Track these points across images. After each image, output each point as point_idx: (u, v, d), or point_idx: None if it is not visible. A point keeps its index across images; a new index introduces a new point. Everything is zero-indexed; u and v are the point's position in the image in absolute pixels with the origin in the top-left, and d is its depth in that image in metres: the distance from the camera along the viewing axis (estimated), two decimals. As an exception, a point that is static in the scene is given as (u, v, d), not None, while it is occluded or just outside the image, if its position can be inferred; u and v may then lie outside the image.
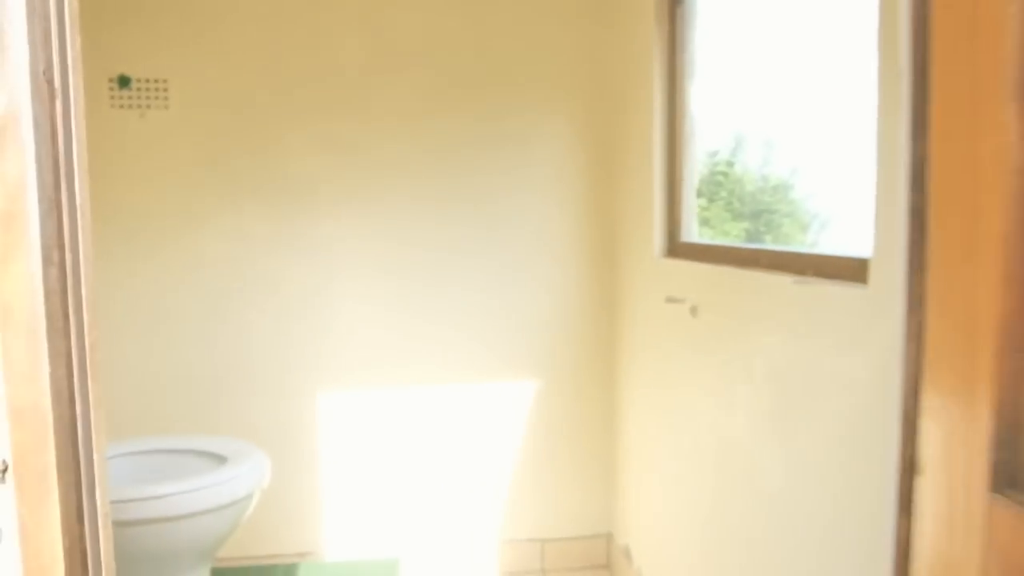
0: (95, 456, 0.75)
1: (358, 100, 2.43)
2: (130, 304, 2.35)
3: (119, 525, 1.31)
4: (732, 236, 2.25)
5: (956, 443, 0.71)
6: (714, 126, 2.17)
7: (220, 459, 1.50)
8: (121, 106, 2.34)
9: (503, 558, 2.60)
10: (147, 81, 2.35)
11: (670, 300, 2.00)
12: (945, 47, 0.75)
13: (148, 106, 2.35)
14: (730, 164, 2.32)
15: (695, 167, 2.12)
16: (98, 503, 0.73)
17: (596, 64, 2.49)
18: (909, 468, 0.79)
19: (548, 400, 2.56)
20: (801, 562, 1.42)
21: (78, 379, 0.73)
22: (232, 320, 2.40)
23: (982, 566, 0.67)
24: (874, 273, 1.18)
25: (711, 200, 2.32)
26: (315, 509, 2.49)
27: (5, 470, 0.67)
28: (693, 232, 2.13)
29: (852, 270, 1.29)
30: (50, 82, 0.73)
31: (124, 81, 2.33)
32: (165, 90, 2.35)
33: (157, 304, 2.36)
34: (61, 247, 0.76)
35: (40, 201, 0.72)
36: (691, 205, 2.13)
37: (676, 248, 2.12)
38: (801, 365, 1.41)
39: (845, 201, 1.72)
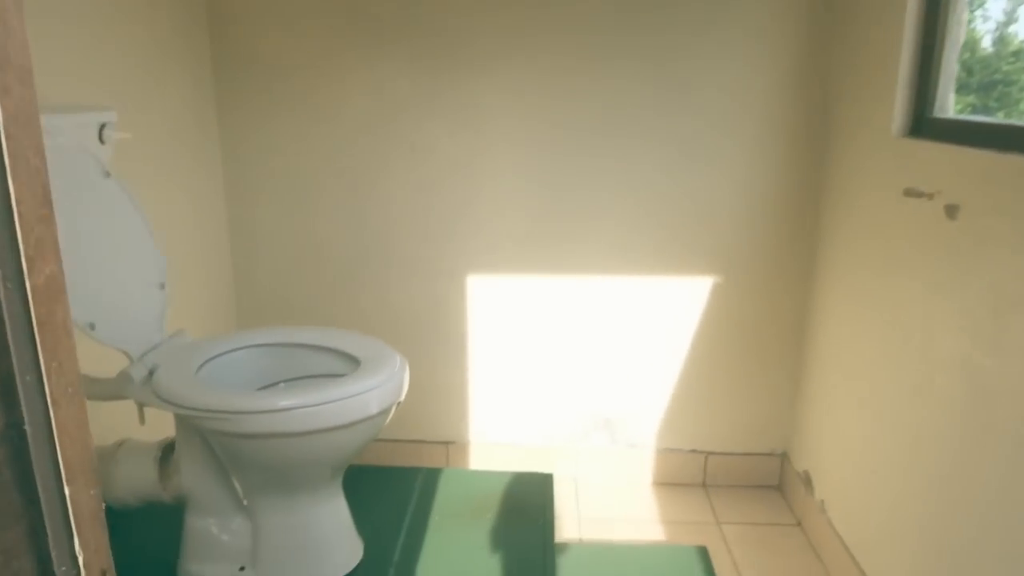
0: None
1: (523, -70, 2.01)
2: (263, 169, 2.16)
3: (235, 437, 1.12)
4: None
5: None
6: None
7: (353, 362, 1.28)
8: (257, -60, 2.06)
9: (659, 467, 2.35)
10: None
11: (911, 194, 1.54)
12: None
13: (286, -60, 2.05)
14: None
15: (964, 8, 1.58)
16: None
17: None
18: None
19: (727, 299, 2.19)
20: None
21: None
22: (371, 192, 2.16)
23: None
24: None
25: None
26: (460, 397, 2.32)
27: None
28: (949, 105, 1.63)
29: None
30: None
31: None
32: (304, -80, 2.04)
33: (292, 172, 2.16)
34: None
35: None
36: (951, 67, 1.61)
37: (924, 125, 1.63)
38: None
39: None
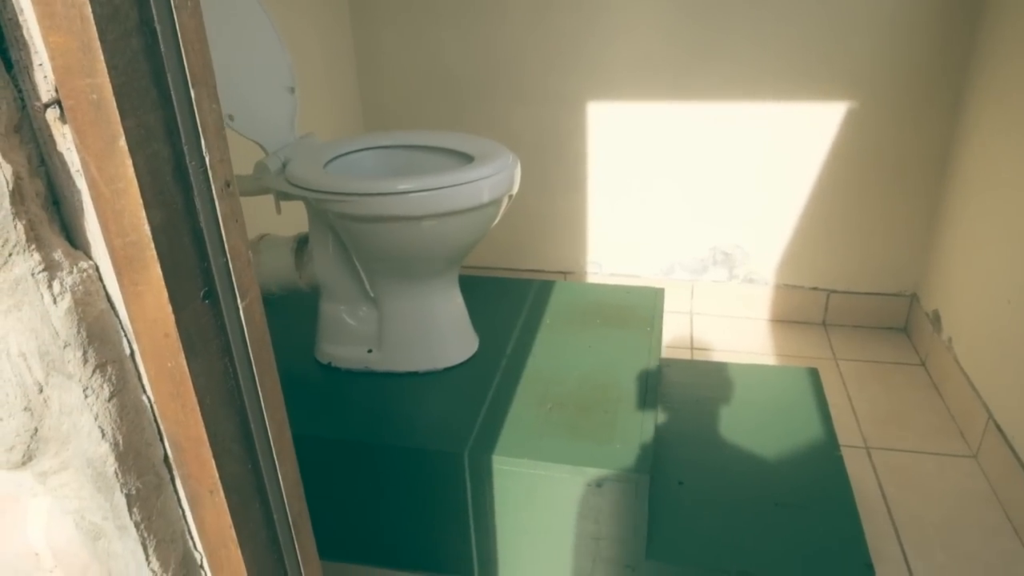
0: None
1: None
2: (393, -6, 2.18)
3: (356, 220, 1.21)
4: None
5: None
6: None
7: (466, 158, 1.32)
8: None
9: (777, 304, 2.32)
10: None
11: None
12: None
13: None
14: None
15: None
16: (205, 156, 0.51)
17: None
18: None
19: (861, 126, 2.06)
20: None
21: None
22: (492, 12, 2.13)
23: None
24: None
25: None
26: (578, 228, 2.35)
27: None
28: None
29: None
30: None
31: None
32: None
33: (419, -6, 2.16)
34: None
35: None
36: None
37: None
38: None
39: None
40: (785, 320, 2.34)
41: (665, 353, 2.18)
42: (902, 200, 2.12)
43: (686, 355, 2.17)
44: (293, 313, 1.60)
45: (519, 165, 1.30)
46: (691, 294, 2.36)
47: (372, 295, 1.38)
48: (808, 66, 2.02)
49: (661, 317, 1.59)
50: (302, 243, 1.42)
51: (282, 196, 1.29)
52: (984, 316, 1.78)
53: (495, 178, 1.22)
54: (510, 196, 1.27)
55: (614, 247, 2.35)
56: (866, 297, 2.26)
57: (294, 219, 1.81)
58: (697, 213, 2.25)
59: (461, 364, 1.41)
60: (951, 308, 1.98)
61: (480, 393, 1.34)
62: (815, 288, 2.28)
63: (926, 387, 2.02)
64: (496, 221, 1.29)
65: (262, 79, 1.36)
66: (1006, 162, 1.72)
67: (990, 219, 1.79)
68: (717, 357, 2.16)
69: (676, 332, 2.29)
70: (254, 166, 1.30)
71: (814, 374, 1.68)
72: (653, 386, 1.35)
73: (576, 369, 1.39)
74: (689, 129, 2.15)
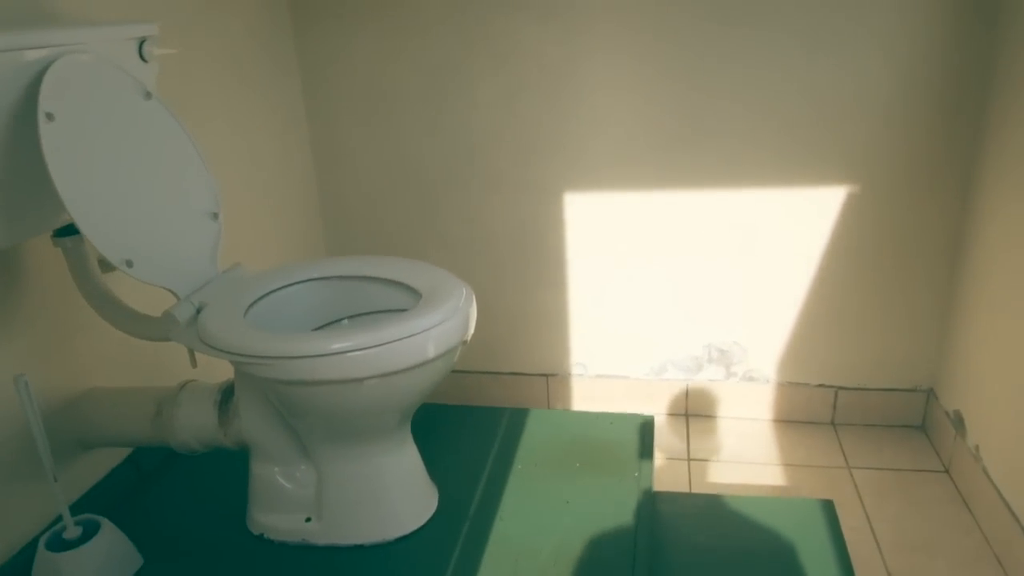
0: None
1: None
2: (344, 80, 2.01)
3: (283, 384, 1.01)
4: None
5: None
6: None
7: (413, 294, 1.13)
8: None
9: (780, 404, 2.12)
10: None
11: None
12: None
13: None
14: None
15: None
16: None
17: None
18: None
19: (864, 211, 1.88)
20: None
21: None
22: (458, 101, 1.97)
23: None
24: None
25: None
26: (561, 326, 2.15)
27: None
28: None
29: None
30: None
31: None
32: None
33: (378, 83, 1.99)
34: None
35: None
36: None
37: None
38: None
39: None
40: (790, 420, 2.13)
41: (659, 463, 1.96)
42: (912, 288, 1.94)
43: (683, 469, 1.95)
44: (222, 472, 1.38)
45: (473, 302, 1.11)
46: (686, 395, 2.15)
47: (310, 455, 1.17)
48: (803, 150, 1.85)
49: (651, 455, 1.38)
50: (227, 394, 1.22)
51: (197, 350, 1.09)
52: (1018, 427, 1.57)
53: (444, 327, 1.02)
54: (464, 341, 1.08)
55: (600, 346, 2.15)
56: (878, 393, 2.06)
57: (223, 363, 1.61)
58: (689, 308, 2.06)
59: (416, 531, 1.20)
60: (976, 411, 1.78)
61: (438, 569, 1.12)
62: (821, 385, 2.08)
63: (953, 500, 1.80)
64: (451, 369, 1.10)
65: (175, 207, 1.17)
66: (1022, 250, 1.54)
67: (1014, 314, 1.60)
68: (717, 471, 1.94)
69: (670, 439, 2.07)
70: (162, 315, 1.10)
71: (829, 508, 1.47)
72: (644, 558, 1.13)
73: (552, 534, 1.18)
74: (678, 218, 1.97)
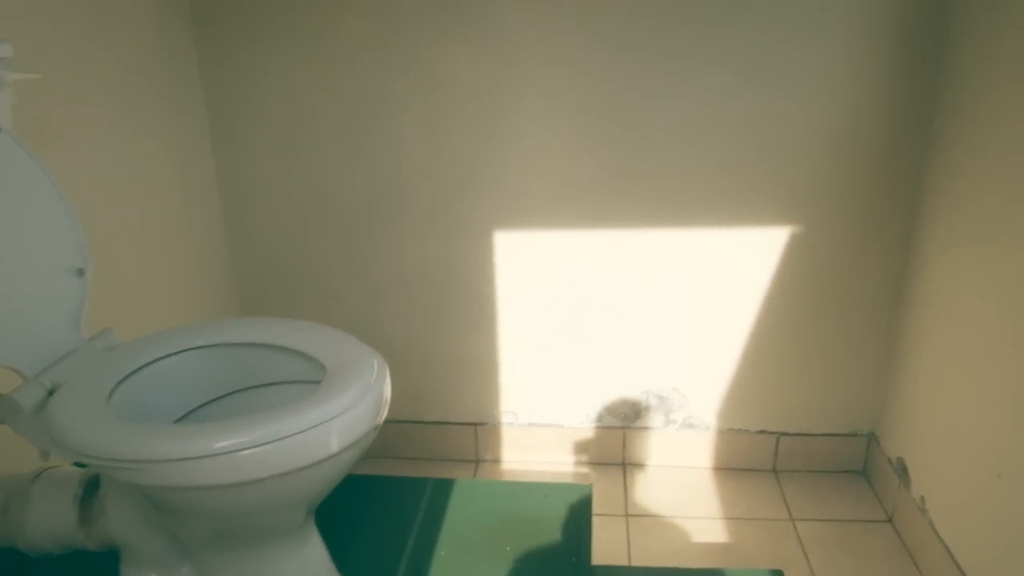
0: None
1: None
2: (254, 106, 1.83)
3: (155, 489, 0.83)
4: None
5: None
6: None
7: (316, 366, 0.96)
8: None
9: (721, 451, 2.01)
10: None
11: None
12: None
13: None
14: None
15: None
16: None
17: None
18: None
19: (805, 253, 1.80)
20: None
21: None
22: (379, 131, 1.81)
23: None
24: None
25: None
26: (490, 373, 2.01)
27: None
28: None
29: None
30: None
31: None
32: None
33: (286, 109, 1.82)
34: None
35: None
36: None
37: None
38: None
39: None
40: (732, 468, 2.03)
41: (597, 521, 1.82)
42: (854, 331, 1.87)
43: (621, 529, 1.82)
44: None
45: (387, 378, 0.95)
46: (623, 443, 2.03)
47: (192, 558, 0.99)
48: (745, 189, 1.76)
49: (589, 530, 1.24)
50: (91, 486, 1.02)
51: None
52: (969, 483, 1.50)
53: (351, 415, 0.86)
54: (377, 427, 0.92)
55: (533, 393, 2.01)
56: (819, 439, 1.98)
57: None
58: (627, 353, 1.94)
59: (322, 642, 1.02)
60: (920, 460, 1.71)
61: None
62: (763, 431, 1.99)
63: (899, 554, 1.72)
64: (364, 454, 0.93)
65: (26, 264, 0.97)
66: (972, 297, 1.47)
67: (959, 362, 1.53)
68: (657, 531, 1.82)
69: (608, 491, 1.94)
70: (1, 400, 0.90)
71: (780, 579, 1.36)
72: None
73: (480, 639, 1.02)
74: (615, 259, 1.86)
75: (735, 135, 1.72)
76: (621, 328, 1.92)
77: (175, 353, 1.03)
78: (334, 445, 0.84)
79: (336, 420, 0.84)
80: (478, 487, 1.33)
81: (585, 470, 2.04)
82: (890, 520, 1.83)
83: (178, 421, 1.00)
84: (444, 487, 1.32)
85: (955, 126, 1.57)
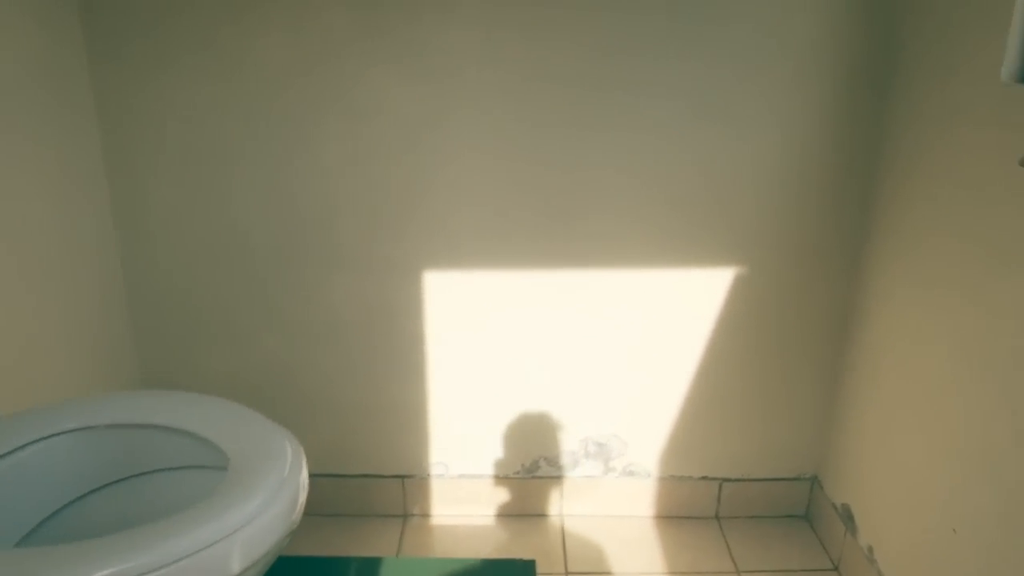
0: None
1: None
2: (156, 132, 1.65)
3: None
4: None
5: None
6: None
7: (217, 454, 0.81)
8: None
9: (663, 499, 1.93)
10: None
11: (1034, 169, 1.09)
12: None
13: None
14: None
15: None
16: None
17: None
18: None
19: (748, 294, 1.74)
20: None
21: None
22: (301, 161, 1.66)
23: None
24: None
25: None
26: (418, 421, 1.86)
27: None
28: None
29: None
30: None
31: None
32: None
33: (194, 135, 1.65)
34: None
35: None
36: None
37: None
38: None
39: None
40: (674, 516, 1.94)
41: (535, 584, 1.70)
42: (798, 374, 1.81)
43: (562, 589, 1.70)
44: None
45: (303, 467, 0.81)
46: (561, 494, 1.92)
47: None
48: (688, 227, 1.68)
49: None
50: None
51: None
52: (918, 534, 1.44)
53: (258, 524, 0.71)
54: (291, 533, 0.77)
55: (464, 443, 1.88)
56: (762, 484, 1.91)
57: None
58: (563, 398, 1.84)
59: None
60: (867, 507, 1.65)
61: None
62: (705, 478, 1.91)
63: (847, 607, 1.66)
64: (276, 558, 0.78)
65: None
66: (919, 340, 1.43)
67: (907, 408, 1.49)
68: (600, 584, 1.71)
69: (545, 547, 1.82)
70: None
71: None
72: None
73: None
74: (551, 300, 1.75)
75: (679, 170, 1.64)
76: (558, 372, 1.81)
77: (36, 441, 0.85)
78: (235, 565, 0.69)
79: (239, 533, 0.69)
80: (408, 565, 1.18)
81: (521, 524, 1.91)
82: (836, 568, 1.77)
83: (39, 527, 0.83)
84: (370, 567, 1.17)
85: (903, 166, 1.53)
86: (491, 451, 1.88)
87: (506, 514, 1.94)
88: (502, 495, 1.92)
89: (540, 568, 1.74)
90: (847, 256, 1.70)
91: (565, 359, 1.80)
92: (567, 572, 1.75)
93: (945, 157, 1.38)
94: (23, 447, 0.83)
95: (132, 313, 1.78)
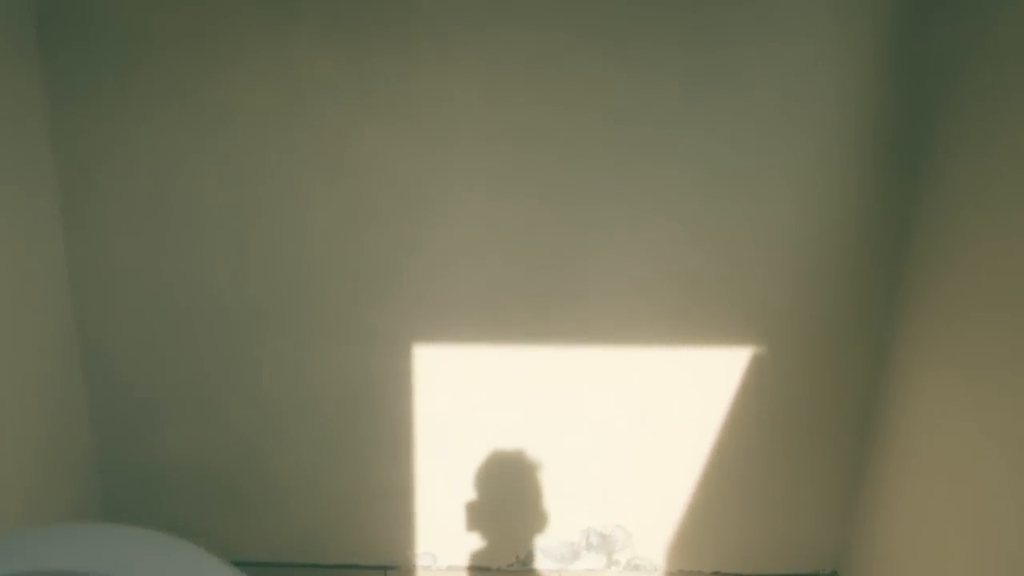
0: None
1: None
2: (125, 190, 1.48)
3: None
4: None
5: None
6: None
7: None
8: None
9: (671, 593, 1.76)
10: None
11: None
12: None
13: None
14: None
15: None
16: None
17: None
18: None
19: (765, 377, 1.59)
20: None
21: None
22: (278, 222, 1.50)
23: None
24: None
25: None
26: (404, 508, 1.69)
27: None
28: None
29: None
30: None
31: None
32: None
33: (166, 192, 1.48)
34: None
35: None
36: None
37: None
38: None
39: None
40: (681, 613, 1.77)
41: None
42: (817, 463, 1.66)
43: None
44: None
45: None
46: (561, 589, 1.75)
47: None
48: (699, 305, 1.53)
49: None
50: None
51: None
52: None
53: None
54: None
55: (453, 532, 1.70)
56: (778, 580, 1.75)
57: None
58: (564, 486, 1.67)
59: None
60: (900, 622, 1.49)
61: None
62: (717, 573, 1.75)
63: None
64: None
65: None
66: (951, 431, 1.28)
67: (944, 504, 1.33)
68: None
69: (542, 650, 1.65)
70: None
71: None
72: None
73: None
74: (552, 380, 1.59)
75: (692, 245, 1.49)
76: (558, 457, 1.65)
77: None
78: None
79: None
80: None
81: (514, 620, 1.74)
82: None
83: None
84: None
85: (932, 242, 1.39)
86: (483, 540, 1.71)
87: (498, 609, 1.76)
88: (494, 589, 1.75)
89: None
90: (872, 335, 1.56)
91: (565, 443, 1.64)
92: None
93: (984, 223, 1.24)
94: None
95: (88, 385, 1.60)
